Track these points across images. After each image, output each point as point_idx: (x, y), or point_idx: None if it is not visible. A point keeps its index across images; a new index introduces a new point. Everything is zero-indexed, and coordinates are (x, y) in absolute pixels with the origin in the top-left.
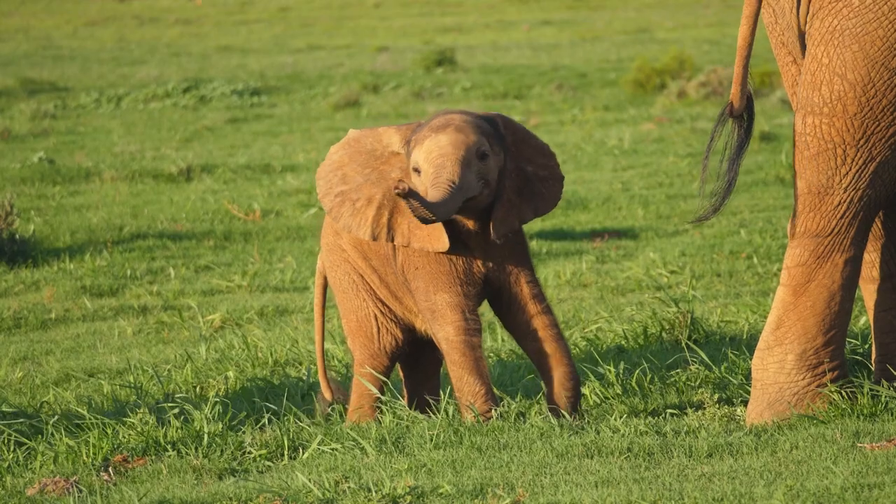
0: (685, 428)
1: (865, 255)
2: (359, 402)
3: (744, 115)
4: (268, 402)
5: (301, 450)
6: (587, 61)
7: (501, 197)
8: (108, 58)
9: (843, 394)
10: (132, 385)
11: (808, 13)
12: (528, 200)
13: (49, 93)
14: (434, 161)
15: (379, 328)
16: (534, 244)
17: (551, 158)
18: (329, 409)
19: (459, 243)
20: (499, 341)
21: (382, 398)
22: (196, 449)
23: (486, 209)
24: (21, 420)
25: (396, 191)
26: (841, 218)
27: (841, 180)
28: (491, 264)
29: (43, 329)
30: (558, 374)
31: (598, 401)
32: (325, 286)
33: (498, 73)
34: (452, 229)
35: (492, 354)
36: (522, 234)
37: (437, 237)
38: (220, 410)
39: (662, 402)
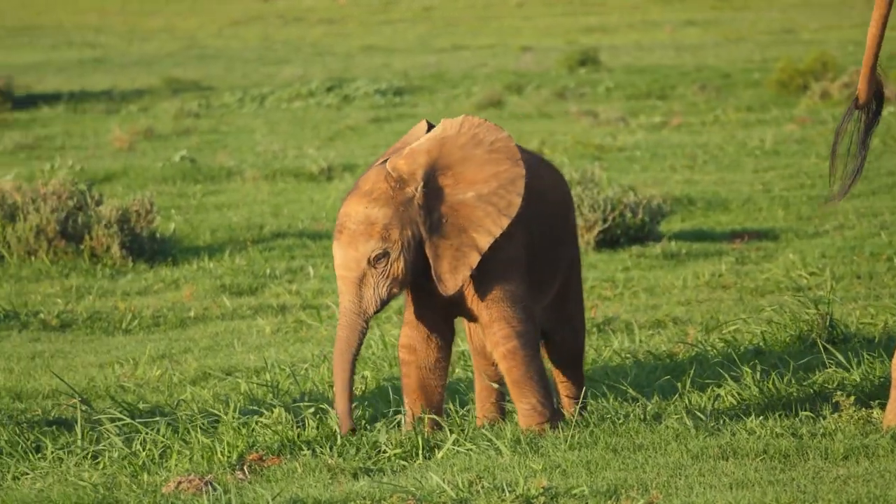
0: (821, 430)
1: None
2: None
3: (871, 103)
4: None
5: (436, 449)
6: (731, 62)
7: (436, 253)
8: (253, 57)
9: None
10: (269, 384)
11: None
12: (479, 226)
13: (193, 92)
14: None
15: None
16: (672, 245)
17: (501, 162)
18: None
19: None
20: (636, 342)
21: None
22: (331, 448)
23: (425, 265)
24: (157, 418)
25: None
26: None
27: None
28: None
29: (182, 327)
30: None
31: (735, 402)
32: None
33: (641, 73)
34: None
35: (629, 355)
36: (498, 254)
37: None
38: (356, 410)
39: (799, 403)
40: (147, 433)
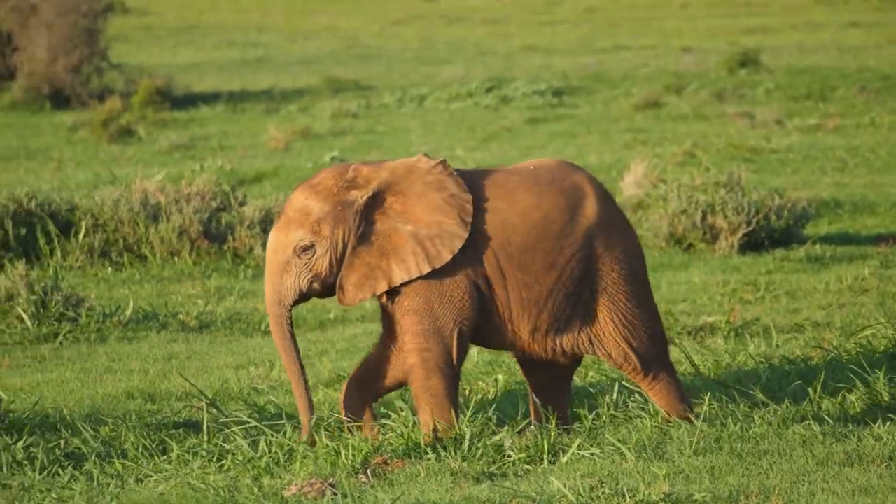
0: None
1: None
2: None
3: None
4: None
5: (561, 454)
6: (893, 63)
7: (351, 262)
8: (413, 57)
9: None
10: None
11: None
12: (401, 261)
13: (352, 91)
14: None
15: None
16: (816, 248)
17: (451, 215)
18: None
19: None
20: (772, 346)
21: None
22: (455, 452)
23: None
24: (284, 421)
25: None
26: None
27: None
28: None
29: (321, 329)
30: None
31: (865, 407)
32: None
33: (802, 74)
34: None
35: (763, 360)
36: (414, 288)
37: None
38: (484, 413)
39: None
40: (273, 436)
